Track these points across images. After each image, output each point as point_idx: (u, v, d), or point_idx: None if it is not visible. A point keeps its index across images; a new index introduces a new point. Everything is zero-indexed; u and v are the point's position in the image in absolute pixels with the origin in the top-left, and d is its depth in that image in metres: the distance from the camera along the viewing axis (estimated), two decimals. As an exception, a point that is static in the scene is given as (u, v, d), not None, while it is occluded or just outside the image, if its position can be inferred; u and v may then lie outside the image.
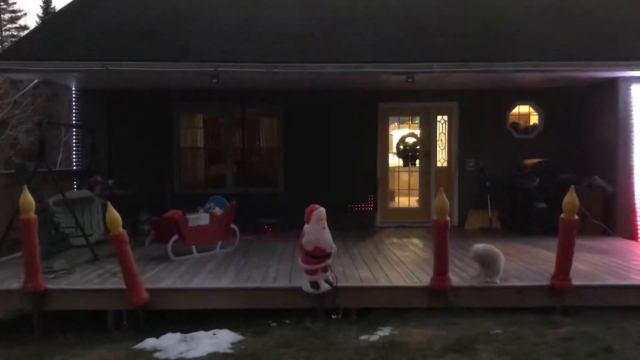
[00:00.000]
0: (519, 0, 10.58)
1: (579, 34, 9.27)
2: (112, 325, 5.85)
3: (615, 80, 9.19)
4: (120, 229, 5.61)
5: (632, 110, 9.17)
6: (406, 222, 10.82)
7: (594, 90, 9.96)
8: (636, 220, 9.12)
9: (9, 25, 37.33)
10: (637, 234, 9.06)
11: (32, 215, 5.75)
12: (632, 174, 9.16)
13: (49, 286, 5.92)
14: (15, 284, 5.97)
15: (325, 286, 5.78)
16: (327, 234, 5.74)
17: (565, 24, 9.63)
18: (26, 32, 33.51)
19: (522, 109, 10.87)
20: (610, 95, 9.44)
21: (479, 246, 6.15)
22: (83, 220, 8.40)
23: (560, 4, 10.37)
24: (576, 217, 5.74)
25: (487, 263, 6.04)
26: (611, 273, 6.57)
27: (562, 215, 5.78)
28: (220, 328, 5.48)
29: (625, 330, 5.26)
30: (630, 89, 9.16)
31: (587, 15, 9.97)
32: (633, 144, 9.16)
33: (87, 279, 6.33)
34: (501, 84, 9.87)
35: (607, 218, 9.31)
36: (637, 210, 9.14)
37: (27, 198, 5.73)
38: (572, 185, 5.84)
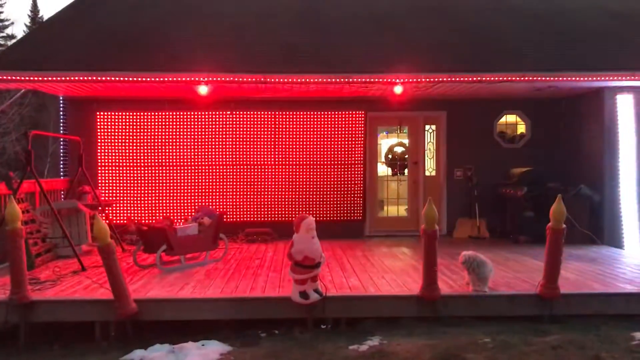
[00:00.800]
0: (505, 11, 10.68)
1: (565, 44, 9.37)
2: (100, 337, 5.79)
3: (601, 90, 9.30)
4: (108, 239, 5.57)
5: (617, 120, 9.29)
6: (395, 231, 10.84)
7: (580, 99, 10.07)
8: (622, 229, 9.21)
9: (-4, 35, 37.14)
10: (624, 242, 9.14)
11: (19, 225, 5.70)
12: (618, 182, 9.26)
13: (35, 297, 5.86)
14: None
15: (314, 296, 5.76)
16: (317, 243, 5.73)
17: (552, 34, 9.73)
18: (13, 41, 33.36)
19: (510, 118, 10.97)
20: (596, 104, 9.55)
21: (467, 253, 6.17)
22: (70, 230, 8.33)
23: (546, 14, 10.48)
24: (564, 225, 5.78)
25: (471, 268, 6.05)
26: (598, 281, 6.62)
27: (549, 223, 5.82)
28: (209, 339, 5.46)
29: (613, 338, 5.30)
30: (615, 99, 9.29)
31: (573, 26, 10.08)
32: (619, 153, 9.27)
33: (74, 290, 6.26)
34: (488, 94, 9.95)
35: (594, 226, 9.37)
36: (623, 218, 9.23)
37: (14, 208, 5.67)
38: (560, 194, 5.89)
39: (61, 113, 10.75)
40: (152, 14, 10.26)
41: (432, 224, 5.80)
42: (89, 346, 5.63)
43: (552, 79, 8.55)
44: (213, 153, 10.68)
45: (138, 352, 5.19)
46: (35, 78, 8.21)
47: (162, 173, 10.62)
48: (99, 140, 10.50)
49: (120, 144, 10.55)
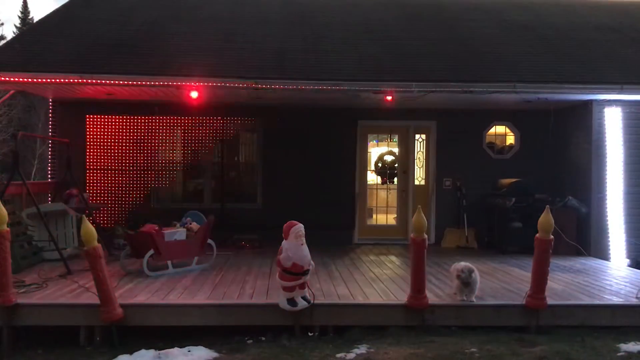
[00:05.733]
0: (496, 23, 10.80)
1: (554, 57, 9.47)
2: (85, 342, 5.72)
3: (589, 102, 9.39)
4: (95, 242, 5.53)
5: (605, 133, 9.38)
6: (384, 239, 10.85)
7: (569, 112, 10.16)
8: (609, 241, 9.28)
9: (-14, 35, 36.86)
10: (610, 254, 9.21)
11: (5, 228, 5.63)
12: (606, 195, 9.34)
13: (20, 301, 5.79)
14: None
15: (302, 303, 5.75)
16: (305, 250, 5.72)
17: (542, 47, 9.84)
18: (3, 42, 33.13)
19: (499, 129, 11.04)
20: (584, 117, 9.64)
21: (463, 265, 6.13)
22: (57, 233, 8.25)
23: (536, 27, 10.59)
24: (551, 236, 5.81)
25: (467, 281, 6.04)
26: (584, 292, 6.66)
27: (537, 234, 5.85)
28: (195, 345, 5.41)
29: (598, 349, 5.32)
30: (603, 112, 9.38)
31: (562, 39, 10.20)
32: (606, 166, 9.35)
33: (59, 294, 6.19)
34: (478, 105, 10.02)
35: (581, 238, 9.42)
36: (610, 230, 9.30)
37: (0, 210, 5.61)
38: (547, 205, 5.93)
39: (50, 115, 10.68)
40: (143, 17, 10.26)
41: (421, 232, 5.82)
42: (73, 351, 5.56)
43: (541, 91, 8.63)
44: (203, 157, 10.65)
45: (123, 358, 5.14)
46: (24, 80, 8.14)
47: (152, 177, 10.57)
48: (88, 143, 10.43)
49: (109, 147, 10.49)
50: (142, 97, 9.71)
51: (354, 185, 10.82)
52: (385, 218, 11.31)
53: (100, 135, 10.47)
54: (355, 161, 10.84)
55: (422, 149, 11.17)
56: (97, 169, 10.42)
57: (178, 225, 8.01)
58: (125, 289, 6.48)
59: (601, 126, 9.41)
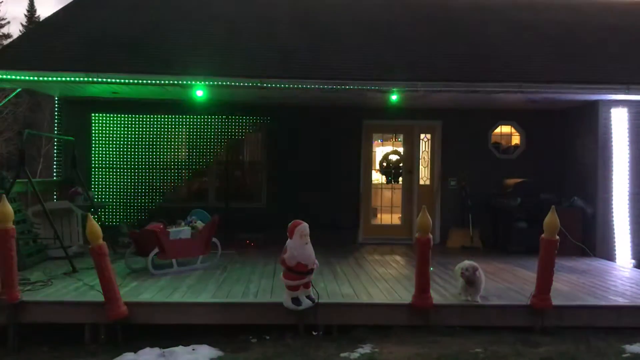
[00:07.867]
0: (502, 23, 10.76)
1: (561, 57, 9.44)
2: (89, 339, 5.74)
3: (595, 103, 9.35)
4: (100, 240, 5.54)
5: (611, 133, 9.34)
6: (388, 239, 10.82)
7: (575, 112, 10.12)
8: (614, 241, 9.24)
9: (-8, 33, 36.96)
10: (615, 254, 9.17)
11: (10, 225, 5.65)
12: (611, 195, 9.30)
13: (25, 298, 5.81)
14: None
15: (306, 302, 5.75)
16: (310, 249, 5.72)
17: (548, 47, 9.80)
18: (9, 40, 33.26)
19: (504, 129, 11.00)
20: (590, 117, 9.60)
21: (468, 264, 6.10)
22: (62, 231, 8.27)
23: (542, 27, 10.55)
24: (557, 237, 5.79)
25: (472, 280, 6.03)
26: (590, 293, 6.63)
27: (542, 235, 5.83)
28: (200, 343, 5.43)
29: (603, 350, 5.31)
30: (610, 112, 9.34)
31: (569, 39, 10.15)
32: (612, 166, 9.32)
33: (64, 292, 6.22)
34: (484, 104, 9.99)
35: (586, 239, 9.38)
36: (616, 231, 9.26)
37: (6, 208, 5.63)
38: (553, 206, 5.90)
39: (56, 113, 10.71)
40: (149, 16, 10.26)
41: (425, 232, 5.81)
42: (78, 349, 5.58)
43: (548, 91, 8.59)
44: (207, 156, 10.66)
45: (128, 356, 5.16)
46: (31, 78, 8.17)
47: (156, 175, 10.59)
48: (93, 142, 10.46)
49: (114, 145, 10.52)
50: (148, 96, 9.74)
51: (358, 184, 10.80)
52: (390, 217, 11.29)
53: (105, 133, 10.49)
54: (360, 160, 10.83)
55: (427, 149, 11.14)
56: (102, 167, 10.44)
57: (183, 223, 8.02)
58: (130, 287, 6.50)
59: (607, 127, 9.37)
